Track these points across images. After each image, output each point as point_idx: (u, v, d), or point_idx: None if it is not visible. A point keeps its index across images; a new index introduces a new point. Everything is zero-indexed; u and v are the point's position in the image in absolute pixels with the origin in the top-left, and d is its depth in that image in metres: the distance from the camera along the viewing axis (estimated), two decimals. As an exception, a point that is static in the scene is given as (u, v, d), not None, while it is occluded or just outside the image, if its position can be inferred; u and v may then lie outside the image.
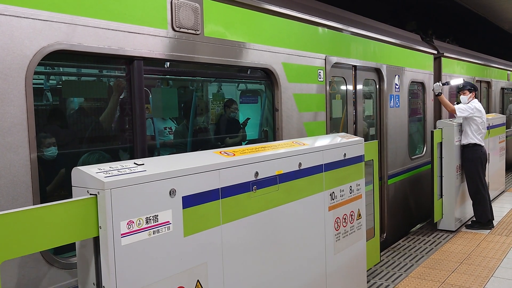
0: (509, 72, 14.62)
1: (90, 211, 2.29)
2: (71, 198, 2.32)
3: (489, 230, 7.22)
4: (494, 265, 5.71)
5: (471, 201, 7.43)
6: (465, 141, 7.29)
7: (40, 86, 3.41)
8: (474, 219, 7.52)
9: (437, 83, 7.49)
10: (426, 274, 5.48)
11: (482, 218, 7.32)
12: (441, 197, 7.30)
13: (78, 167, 2.39)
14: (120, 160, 3.17)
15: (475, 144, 7.22)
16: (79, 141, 3.51)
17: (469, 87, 7.41)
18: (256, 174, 3.22)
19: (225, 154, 3.14)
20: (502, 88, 13.89)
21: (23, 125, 2.66)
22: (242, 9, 4.21)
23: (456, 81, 8.17)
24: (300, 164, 3.66)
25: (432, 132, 7.12)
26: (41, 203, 2.47)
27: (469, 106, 7.22)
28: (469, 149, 7.26)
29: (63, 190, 3.11)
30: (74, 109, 3.62)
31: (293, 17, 4.85)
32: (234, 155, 3.15)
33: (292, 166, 3.58)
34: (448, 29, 13.51)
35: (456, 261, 5.91)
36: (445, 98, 7.57)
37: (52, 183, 3.19)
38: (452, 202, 7.31)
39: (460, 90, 7.55)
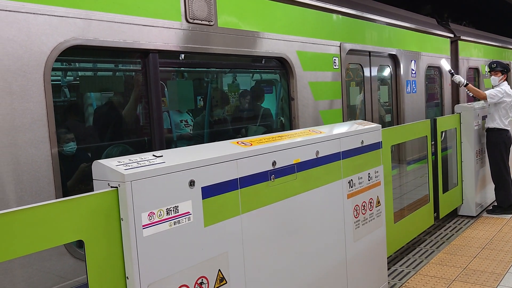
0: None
1: (112, 203, 2.32)
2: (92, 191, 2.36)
3: (511, 215, 7.13)
4: (516, 249, 5.65)
5: (493, 186, 7.34)
6: (491, 125, 7.13)
7: (58, 82, 3.45)
8: (496, 204, 7.43)
9: (455, 76, 7.16)
10: (447, 260, 5.44)
11: (504, 203, 7.23)
12: (446, 190, 7.09)
13: (98, 161, 2.42)
14: (139, 152, 3.20)
15: (500, 128, 7.09)
16: (97, 135, 3.55)
17: (500, 68, 7.16)
18: (274, 163, 3.22)
19: (242, 144, 3.14)
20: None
21: (43, 121, 2.70)
22: (255, -2, 4.20)
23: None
24: (317, 152, 3.65)
25: (434, 121, 6.53)
26: (63, 197, 2.51)
27: (499, 91, 6.99)
28: (493, 132, 7.11)
29: (85, 184, 3.16)
30: (92, 104, 3.66)
31: (306, 5, 4.82)
32: (252, 144, 3.16)
33: (309, 155, 3.57)
34: (464, 12, 13.29)
35: (478, 246, 5.86)
36: (472, 86, 7.28)
37: (74, 177, 3.24)
38: (472, 187, 7.23)
39: (491, 70, 7.30)
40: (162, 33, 3.35)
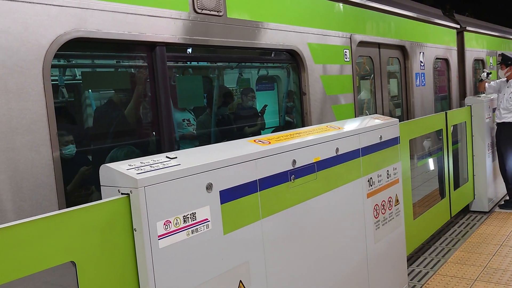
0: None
1: (123, 212, 2.07)
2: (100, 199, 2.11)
3: (525, 210, 6.94)
4: (536, 246, 5.43)
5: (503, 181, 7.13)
6: (501, 119, 6.90)
7: (58, 78, 3.19)
8: (508, 198, 7.23)
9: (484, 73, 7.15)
10: (466, 259, 5.22)
11: (517, 198, 7.03)
12: (458, 186, 6.85)
13: (106, 164, 2.17)
14: (147, 154, 2.95)
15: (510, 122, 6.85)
16: (101, 136, 3.29)
17: (504, 62, 6.92)
18: (294, 162, 2.98)
19: (260, 142, 2.89)
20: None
21: (43, 121, 2.44)
22: (265, -13, 3.94)
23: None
24: (337, 150, 3.41)
25: (445, 114, 6.14)
26: (67, 207, 2.26)
27: (496, 82, 6.88)
28: (504, 126, 6.88)
29: (89, 190, 2.90)
30: (96, 103, 3.40)
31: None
32: (270, 143, 2.91)
33: (329, 152, 3.33)
34: (466, 3, 13.08)
35: (496, 243, 5.64)
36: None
37: (76, 182, 2.98)
38: (484, 182, 7.02)
39: (499, 63, 7.12)
40: (169, 24, 3.10)
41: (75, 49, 2.97)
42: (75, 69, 3.49)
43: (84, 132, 3.16)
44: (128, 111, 3.28)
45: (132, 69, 3.42)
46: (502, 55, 7.03)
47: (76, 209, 1.93)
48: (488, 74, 7.36)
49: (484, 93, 7.28)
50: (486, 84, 7.11)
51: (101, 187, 2.19)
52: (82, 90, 3.36)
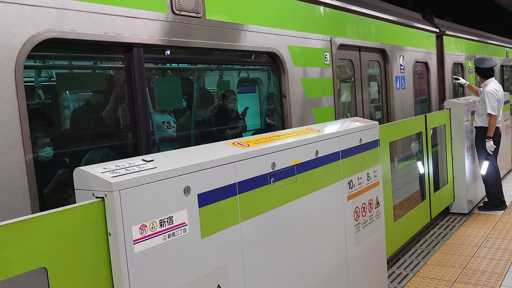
0: (507, 49, 14.40)
1: (98, 216, 2.02)
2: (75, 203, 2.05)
3: (503, 211, 7.02)
4: (514, 247, 5.50)
5: (483, 183, 7.21)
6: (480, 123, 6.97)
7: (32, 80, 3.12)
8: (486, 200, 7.31)
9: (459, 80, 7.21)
10: (445, 261, 5.26)
11: (495, 200, 7.11)
12: (437, 189, 6.92)
13: (80, 167, 2.12)
14: (124, 156, 2.90)
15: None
16: (77, 139, 3.23)
17: (476, 72, 7.07)
18: (273, 165, 2.96)
19: (239, 145, 2.87)
20: (502, 66, 13.67)
21: (16, 124, 2.38)
22: (244, -11, 3.92)
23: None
24: (317, 152, 3.40)
25: (424, 117, 6.19)
26: (41, 210, 2.20)
27: (493, 95, 6.74)
28: (482, 130, 6.96)
29: (65, 193, 2.84)
30: (70, 104, 3.33)
31: (296, -3, 4.57)
32: (249, 145, 2.89)
33: (309, 155, 3.32)
34: (445, 7, 13.26)
35: (474, 245, 5.70)
36: (472, 85, 7.19)
37: (51, 186, 2.91)
38: (464, 184, 7.09)
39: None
40: (146, 26, 3.05)
41: (50, 50, 2.91)
42: (51, 70, 3.42)
43: (60, 135, 3.09)
44: (105, 113, 3.22)
45: (109, 70, 3.37)
46: (475, 63, 7.13)
47: (48, 213, 1.88)
48: (456, 79, 7.51)
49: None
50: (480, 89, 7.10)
51: (75, 190, 2.14)
52: (58, 91, 3.28)
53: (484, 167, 6.98)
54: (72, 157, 3.07)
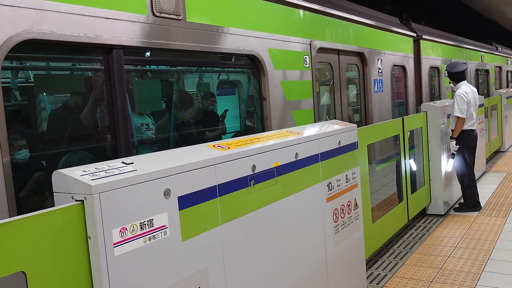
0: (482, 53, 14.72)
1: (77, 219, 2.01)
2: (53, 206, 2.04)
3: (478, 212, 7.16)
4: (489, 247, 5.62)
5: (459, 184, 7.36)
6: (453, 126, 7.11)
7: (9, 81, 3.07)
8: (462, 201, 7.46)
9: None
10: (422, 261, 5.35)
11: (471, 201, 7.26)
12: (414, 191, 7.01)
13: (59, 170, 2.10)
14: (103, 159, 2.88)
15: (464, 129, 7.06)
16: (54, 141, 3.19)
17: (449, 77, 7.18)
18: (254, 167, 2.97)
19: (219, 147, 2.88)
20: (476, 70, 13.97)
21: (-8, 125, 2.34)
22: (225, -8, 3.93)
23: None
24: (296, 155, 3.43)
25: (402, 120, 6.23)
26: (19, 214, 2.17)
27: (462, 99, 6.87)
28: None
29: (42, 196, 2.80)
30: (48, 106, 3.29)
31: (277, 0, 4.60)
32: (229, 148, 2.90)
33: (289, 157, 3.35)
34: (422, 12, 13.48)
35: (451, 245, 5.81)
36: (455, 129, 7.08)
37: (29, 189, 2.87)
38: (440, 186, 7.22)
39: None
40: (126, 27, 3.04)
41: (28, 51, 2.87)
42: (29, 71, 3.38)
43: (37, 137, 3.05)
44: (84, 115, 3.19)
45: (88, 72, 3.34)
46: (447, 68, 7.26)
47: (26, 217, 1.85)
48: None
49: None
50: (456, 108, 7.17)
51: (54, 193, 2.12)
52: (36, 93, 3.24)
53: (450, 164, 7.20)
54: (49, 159, 3.03)
